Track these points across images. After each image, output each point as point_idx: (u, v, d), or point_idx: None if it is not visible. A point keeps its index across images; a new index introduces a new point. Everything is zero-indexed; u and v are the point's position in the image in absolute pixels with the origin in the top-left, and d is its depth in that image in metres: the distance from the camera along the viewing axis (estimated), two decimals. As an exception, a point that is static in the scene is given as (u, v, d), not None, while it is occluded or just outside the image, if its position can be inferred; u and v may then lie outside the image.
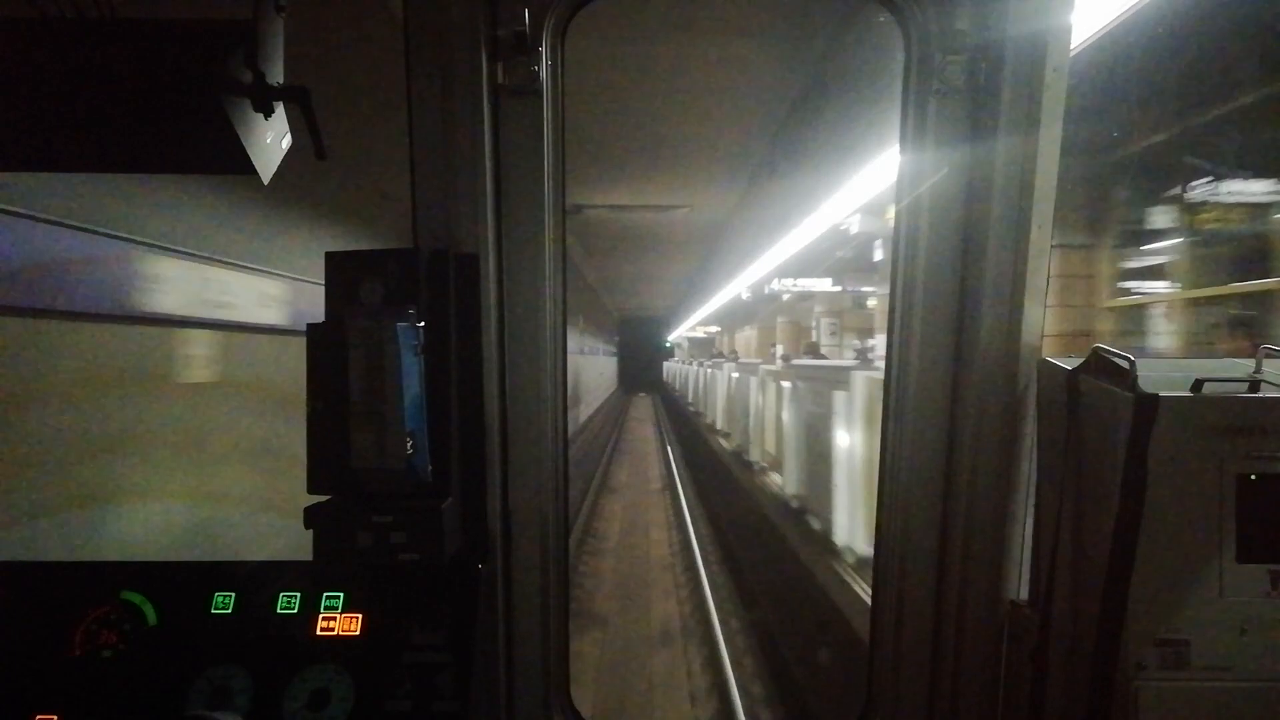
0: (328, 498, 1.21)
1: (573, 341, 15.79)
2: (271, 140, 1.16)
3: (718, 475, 13.78)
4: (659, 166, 12.12)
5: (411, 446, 1.18)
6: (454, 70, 1.35)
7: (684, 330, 42.59)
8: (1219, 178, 6.44)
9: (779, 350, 16.51)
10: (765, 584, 8.11)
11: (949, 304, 1.44)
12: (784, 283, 14.28)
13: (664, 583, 8.98)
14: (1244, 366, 1.21)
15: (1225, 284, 6.55)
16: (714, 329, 37.73)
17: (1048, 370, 1.36)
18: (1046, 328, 1.40)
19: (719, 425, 16.30)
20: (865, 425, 5.83)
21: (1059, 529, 1.27)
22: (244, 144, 1.10)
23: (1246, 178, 6.35)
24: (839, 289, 14.17)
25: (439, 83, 1.36)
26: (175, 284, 3.11)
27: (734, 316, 28.00)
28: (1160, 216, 7.19)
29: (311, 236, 4.61)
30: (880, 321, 11.21)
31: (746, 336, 26.45)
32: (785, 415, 8.67)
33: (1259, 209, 6.48)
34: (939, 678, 1.49)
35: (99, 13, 1.07)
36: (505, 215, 1.42)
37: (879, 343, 9.30)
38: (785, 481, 8.50)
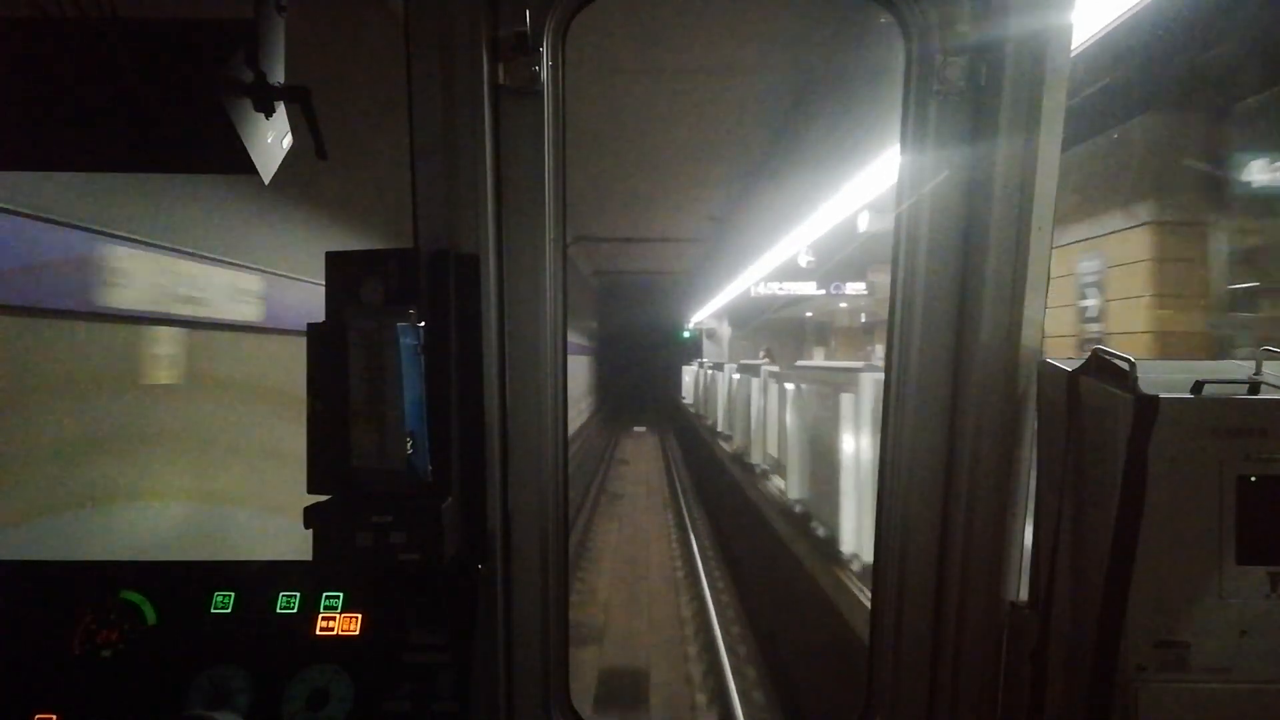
0: (327, 497, 1.21)
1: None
2: (272, 140, 1.16)
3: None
4: (660, 169, 12.12)
5: (411, 446, 1.18)
6: (454, 70, 1.35)
7: (734, 295, 19.35)
8: None
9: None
10: None
11: (949, 305, 1.44)
12: None
13: None
14: (1244, 368, 1.21)
15: None
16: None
17: (1048, 371, 1.36)
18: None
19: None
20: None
21: (1059, 530, 1.27)
22: (245, 144, 1.10)
23: None
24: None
25: (439, 83, 1.36)
26: (173, 283, 3.11)
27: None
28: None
29: (323, 237, 4.59)
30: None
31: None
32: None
33: None
34: (939, 678, 1.49)
35: (100, 12, 1.07)
36: (505, 215, 1.42)
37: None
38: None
